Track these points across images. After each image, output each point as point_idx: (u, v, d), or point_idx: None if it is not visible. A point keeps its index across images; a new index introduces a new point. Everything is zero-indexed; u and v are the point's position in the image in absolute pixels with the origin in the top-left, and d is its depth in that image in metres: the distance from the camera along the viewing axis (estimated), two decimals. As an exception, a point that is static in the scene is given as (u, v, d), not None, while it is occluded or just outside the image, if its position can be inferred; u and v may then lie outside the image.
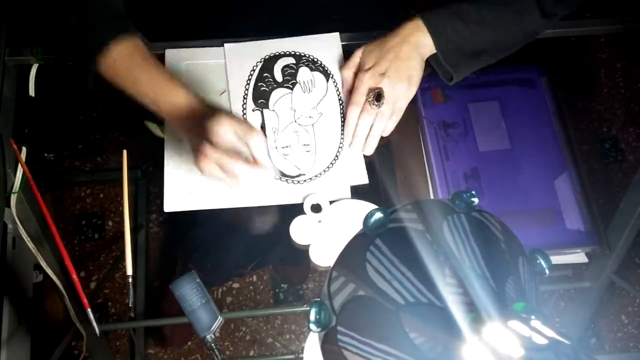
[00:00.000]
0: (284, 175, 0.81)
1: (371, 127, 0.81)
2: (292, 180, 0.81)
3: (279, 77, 0.86)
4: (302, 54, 0.87)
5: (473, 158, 0.92)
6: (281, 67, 0.87)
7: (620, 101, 1.82)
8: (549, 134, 0.95)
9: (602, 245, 0.88)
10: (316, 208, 0.80)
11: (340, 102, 0.85)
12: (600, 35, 1.86)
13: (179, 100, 0.73)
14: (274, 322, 1.53)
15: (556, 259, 0.90)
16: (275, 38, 0.88)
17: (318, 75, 0.86)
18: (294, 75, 0.86)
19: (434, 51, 0.80)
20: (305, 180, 0.81)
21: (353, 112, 0.81)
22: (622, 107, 1.82)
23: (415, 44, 0.80)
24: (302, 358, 0.75)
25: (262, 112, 0.84)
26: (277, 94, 0.85)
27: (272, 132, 0.83)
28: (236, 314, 1.47)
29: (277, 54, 0.87)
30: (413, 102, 0.96)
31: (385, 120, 0.80)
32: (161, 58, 0.87)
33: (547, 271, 0.50)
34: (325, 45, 0.88)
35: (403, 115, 0.81)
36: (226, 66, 0.86)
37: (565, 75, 1.83)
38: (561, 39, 0.88)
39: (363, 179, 0.82)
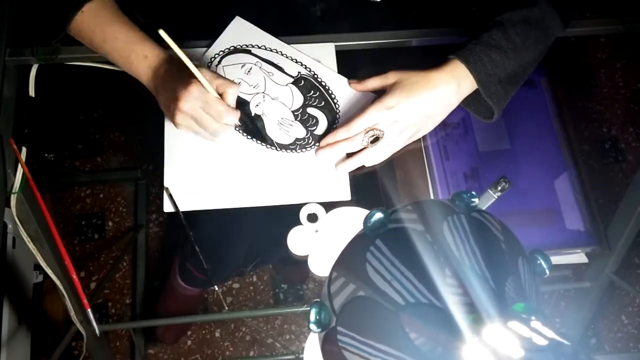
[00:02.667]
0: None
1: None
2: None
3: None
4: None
5: (473, 158, 0.92)
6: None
7: (620, 101, 1.82)
8: (549, 134, 0.95)
9: (602, 245, 0.88)
10: (312, 218, 0.80)
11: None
12: (600, 35, 1.86)
13: (152, 54, 0.75)
14: (274, 322, 1.53)
15: (556, 259, 0.90)
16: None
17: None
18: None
19: (473, 89, 0.78)
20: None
21: (341, 133, 0.78)
22: (622, 107, 1.82)
23: (447, 97, 0.77)
24: (302, 358, 0.75)
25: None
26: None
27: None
28: (236, 314, 1.47)
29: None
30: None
31: (373, 158, 0.80)
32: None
33: (547, 271, 0.50)
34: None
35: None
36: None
37: (565, 75, 1.83)
38: (561, 39, 0.88)
39: (345, 195, 0.81)
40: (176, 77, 0.73)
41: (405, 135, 0.79)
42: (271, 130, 0.83)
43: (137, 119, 1.60)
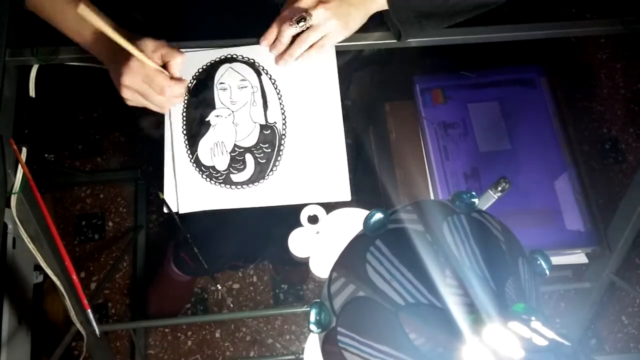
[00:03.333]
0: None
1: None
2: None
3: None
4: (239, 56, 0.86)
5: (473, 158, 0.92)
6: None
7: (620, 101, 1.82)
8: (549, 134, 0.95)
9: (602, 246, 0.88)
10: (313, 219, 0.80)
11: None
12: (600, 36, 1.86)
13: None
14: (274, 322, 1.53)
15: (556, 260, 0.90)
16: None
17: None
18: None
19: (384, 7, 0.81)
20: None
21: (275, 23, 0.81)
22: (622, 108, 1.82)
23: None
24: (302, 359, 0.75)
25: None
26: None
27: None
28: (236, 315, 1.47)
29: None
30: (413, 102, 0.96)
31: (302, 46, 0.81)
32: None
33: (547, 272, 0.50)
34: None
35: (403, 116, 0.81)
36: None
37: (565, 75, 1.83)
38: (561, 39, 0.88)
39: (345, 195, 0.81)
40: (122, 49, 0.73)
41: (331, 22, 0.79)
42: (203, 145, 0.82)
43: (137, 119, 1.60)
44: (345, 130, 0.85)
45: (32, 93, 0.85)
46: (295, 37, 0.81)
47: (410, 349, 0.42)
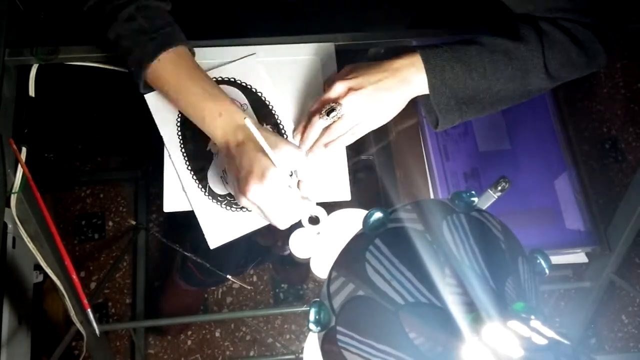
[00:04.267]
0: None
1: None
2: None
3: None
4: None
5: (473, 158, 0.92)
6: None
7: (620, 101, 1.82)
8: (549, 134, 0.95)
9: (602, 245, 0.88)
10: (314, 220, 0.80)
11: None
12: (600, 35, 1.86)
13: (226, 113, 0.70)
14: (274, 322, 1.53)
15: (556, 259, 0.90)
16: (266, 39, 0.87)
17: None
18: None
19: (424, 92, 0.75)
20: None
21: (308, 114, 0.77)
22: (622, 107, 1.82)
23: (403, 80, 0.74)
24: (302, 358, 0.75)
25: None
26: None
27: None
28: (236, 314, 1.47)
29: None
30: (413, 102, 0.96)
31: (331, 137, 0.75)
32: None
33: (547, 271, 0.50)
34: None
35: (403, 116, 0.80)
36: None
37: (565, 75, 1.83)
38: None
39: (345, 195, 0.80)
40: (252, 149, 0.67)
41: (363, 112, 0.74)
42: (211, 176, 0.80)
43: (137, 119, 1.61)
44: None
45: (32, 93, 0.85)
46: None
47: (410, 348, 0.42)
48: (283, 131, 0.83)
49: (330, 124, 0.74)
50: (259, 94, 0.84)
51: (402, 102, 0.76)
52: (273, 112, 0.83)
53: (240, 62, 0.85)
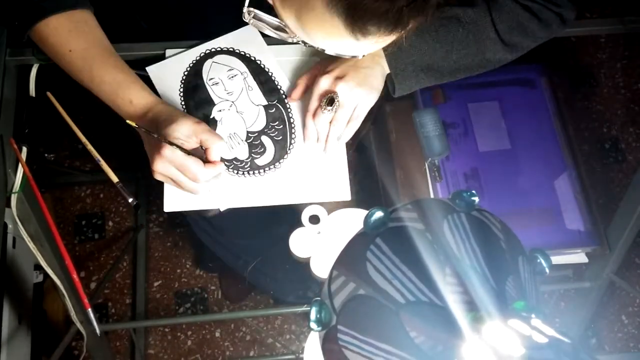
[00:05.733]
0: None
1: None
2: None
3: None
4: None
5: (473, 158, 0.92)
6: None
7: (620, 101, 1.82)
8: (549, 134, 0.95)
9: (602, 245, 0.88)
10: (314, 219, 0.80)
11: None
12: (600, 35, 1.86)
13: (136, 99, 0.74)
14: (274, 322, 1.53)
15: (556, 259, 0.90)
16: (267, 40, 0.88)
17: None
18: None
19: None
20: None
21: (307, 118, 0.80)
22: (622, 107, 1.82)
23: (374, 55, 0.78)
24: (302, 358, 0.75)
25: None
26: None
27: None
28: (236, 314, 1.47)
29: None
30: (413, 102, 0.96)
31: (340, 126, 0.79)
32: (162, 58, 0.87)
33: (547, 270, 0.50)
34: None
35: (404, 116, 0.81)
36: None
37: (565, 75, 1.83)
38: (561, 39, 0.88)
39: (345, 195, 0.81)
40: (159, 127, 0.72)
41: (356, 92, 0.78)
42: None
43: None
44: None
45: (32, 92, 0.85)
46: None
47: (411, 346, 0.42)
48: (283, 96, 0.85)
49: (334, 115, 0.78)
50: (258, 62, 0.86)
51: (383, 75, 0.81)
52: (272, 78, 0.85)
53: (240, 31, 0.87)
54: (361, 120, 0.81)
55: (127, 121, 0.69)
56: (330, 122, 0.80)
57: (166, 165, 0.71)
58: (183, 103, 0.83)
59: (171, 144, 0.69)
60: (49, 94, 0.75)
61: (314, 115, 0.79)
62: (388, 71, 0.80)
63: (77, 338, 1.00)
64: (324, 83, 0.78)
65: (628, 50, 1.88)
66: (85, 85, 0.77)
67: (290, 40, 0.63)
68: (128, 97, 0.75)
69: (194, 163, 0.71)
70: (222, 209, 0.79)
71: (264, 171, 0.81)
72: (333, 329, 0.47)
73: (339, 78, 0.78)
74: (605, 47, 1.89)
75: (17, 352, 1.14)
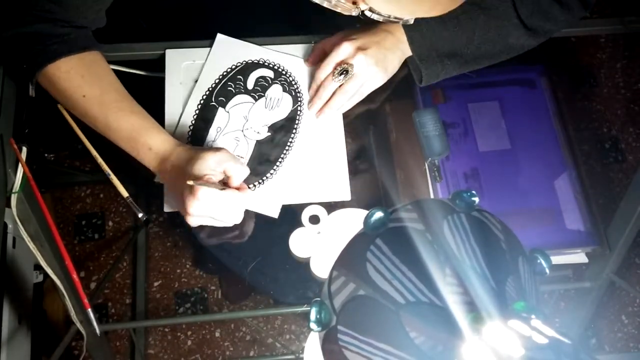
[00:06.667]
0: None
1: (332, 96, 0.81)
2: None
3: (250, 84, 0.85)
4: (283, 71, 0.86)
5: (473, 158, 0.92)
6: (257, 76, 0.86)
7: (620, 101, 1.82)
8: (549, 134, 0.95)
9: (602, 245, 0.88)
10: (314, 219, 0.80)
11: (294, 132, 0.84)
12: (600, 35, 1.86)
13: (155, 146, 0.73)
14: (274, 322, 1.53)
15: (556, 259, 0.90)
16: (269, 40, 0.89)
17: (287, 97, 0.85)
18: (264, 88, 0.85)
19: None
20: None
21: (317, 78, 0.81)
22: (622, 107, 1.82)
23: (397, 39, 0.80)
24: (302, 358, 0.75)
25: (217, 108, 0.84)
26: (239, 99, 0.84)
27: (216, 131, 0.83)
28: (236, 314, 1.47)
29: (258, 61, 0.87)
30: (413, 102, 0.96)
31: (345, 97, 0.81)
32: (161, 58, 0.87)
33: (547, 271, 0.50)
34: (307, 69, 0.87)
35: (404, 116, 0.81)
36: (209, 55, 0.86)
37: (565, 75, 1.83)
38: (561, 39, 0.88)
39: (345, 195, 0.81)
40: (183, 173, 0.71)
41: (372, 69, 0.79)
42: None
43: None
44: (345, 131, 0.85)
45: (32, 92, 0.85)
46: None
47: (411, 347, 0.42)
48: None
49: (342, 84, 0.79)
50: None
51: (400, 60, 0.82)
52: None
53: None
54: (363, 96, 0.82)
55: (155, 180, 0.69)
56: (336, 91, 0.80)
57: (202, 206, 0.68)
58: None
59: (204, 183, 0.68)
60: (59, 106, 0.74)
61: (324, 80, 0.80)
62: (407, 55, 0.81)
63: (77, 338, 1.00)
64: (345, 49, 0.78)
65: (628, 50, 1.88)
66: (101, 131, 0.75)
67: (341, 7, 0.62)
68: (147, 143, 0.73)
69: (230, 195, 0.70)
70: None
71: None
72: (333, 329, 0.47)
73: (360, 49, 0.78)
74: (605, 47, 1.88)
75: (17, 352, 1.14)
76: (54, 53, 0.71)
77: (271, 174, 0.81)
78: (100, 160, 0.76)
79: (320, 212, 0.79)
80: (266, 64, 0.87)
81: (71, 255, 0.79)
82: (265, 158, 0.82)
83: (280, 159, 0.82)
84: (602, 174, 1.73)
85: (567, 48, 1.88)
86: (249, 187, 0.79)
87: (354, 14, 0.62)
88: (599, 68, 1.86)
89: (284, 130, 0.83)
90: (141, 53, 0.87)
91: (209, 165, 0.69)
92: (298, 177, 0.81)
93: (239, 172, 0.71)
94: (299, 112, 0.84)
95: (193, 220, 0.71)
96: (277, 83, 0.85)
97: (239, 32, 0.89)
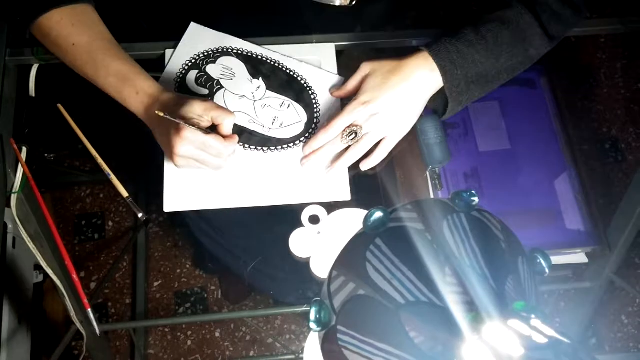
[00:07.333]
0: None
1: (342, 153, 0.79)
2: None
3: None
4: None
5: (473, 158, 0.92)
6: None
7: (620, 101, 1.82)
8: (549, 134, 0.95)
9: (602, 245, 0.88)
10: (314, 219, 0.80)
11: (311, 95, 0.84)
12: (600, 35, 1.86)
13: (142, 91, 0.75)
14: (274, 322, 1.53)
15: (556, 259, 0.90)
16: (270, 40, 0.89)
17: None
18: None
19: (439, 87, 0.77)
20: (268, 149, 0.82)
21: (320, 139, 0.78)
22: (622, 107, 1.82)
23: (418, 82, 0.76)
24: (302, 358, 0.75)
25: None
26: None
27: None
28: (236, 314, 1.47)
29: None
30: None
31: (354, 157, 0.78)
32: (161, 58, 0.87)
33: (547, 270, 0.50)
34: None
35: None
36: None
37: (565, 75, 1.83)
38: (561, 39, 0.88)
39: (345, 195, 0.81)
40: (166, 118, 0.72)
41: (383, 127, 0.77)
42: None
43: (137, 119, 1.60)
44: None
45: (32, 92, 0.85)
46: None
47: (410, 347, 0.42)
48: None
49: (353, 144, 0.77)
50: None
51: (422, 105, 0.79)
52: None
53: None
54: (387, 152, 0.79)
55: (157, 112, 0.68)
56: (347, 150, 0.78)
57: (189, 147, 0.71)
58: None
59: (191, 124, 0.70)
60: (59, 106, 0.76)
61: (329, 136, 0.78)
62: (435, 89, 0.78)
63: (77, 338, 1.00)
64: (356, 114, 0.76)
65: (628, 50, 1.88)
66: (90, 78, 0.77)
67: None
68: (134, 88, 0.75)
69: (215, 139, 0.71)
70: (208, 209, 0.79)
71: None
72: (333, 329, 0.47)
73: (373, 115, 0.76)
74: (605, 47, 1.89)
75: (17, 352, 1.14)
76: (45, 4, 0.74)
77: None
78: (100, 160, 0.77)
79: (320, 212, 0.79)
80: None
81: (71, 255, 0.79)
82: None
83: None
84: (602, 174, 1.73)
85: (567, 48, 1.88)
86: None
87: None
88: (599, 68, 1.86)
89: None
90: (141, 53, 0.87)
91: (194, 110, 0.71)
92: (298, 177, 0.81)
93: (227, 119, 0.73)
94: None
95: (179, 161, 0.73)
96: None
97: (238, 32, 0.89)
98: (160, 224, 1.60)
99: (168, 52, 0.87)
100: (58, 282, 0.82)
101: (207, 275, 1.56)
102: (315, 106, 0.85)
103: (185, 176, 0.80)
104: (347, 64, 0.89)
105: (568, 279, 0.97)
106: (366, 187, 0.88)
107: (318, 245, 0.78)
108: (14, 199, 0.78)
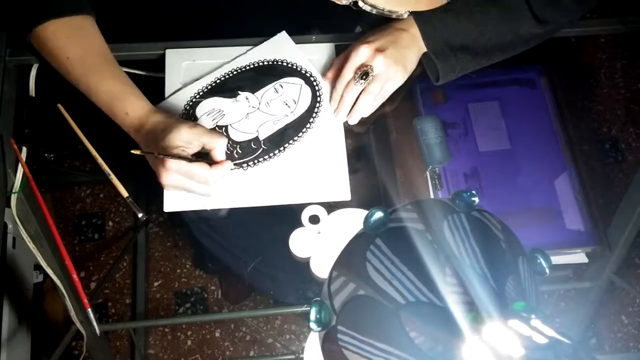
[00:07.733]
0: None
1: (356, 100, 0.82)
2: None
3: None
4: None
5: (473, 158, 0.92)
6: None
7: (620, 101, 1.82)
8: (549, 134, 0.95)
9: (602, 245, 0.88)
10: (314, 219, 0.80)
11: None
12: (600, 35, 1.86)
13: (132, 112, 0.75)
14: (274, 322, 1.53)
15: (556, 259, 0.90)
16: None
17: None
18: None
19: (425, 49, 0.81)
20: (249, 164, 0.81)
21: (339, 85, 0.81)
22: (622, 107, 1.82)
23: (412, 36, 0.80)
24: (302, 358, 0.75)
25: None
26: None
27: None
28: (236, 314, 1.47)
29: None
30: (413, 102, 0.96)
31: (370, 99, 0.81)
32: (161, 58, 0.87)
33: (547, 270, 0.50)
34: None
35: (403, 116, 0.81)
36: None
37: (565, 75, 1.83)
38: (561, 39, 0.88)
39: (345, 195, 0.81)
40: (156, 141, 0.72)
41: (392, 69, 0.79)
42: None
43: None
44: (345, 131, 0.85)
45: (32, 92, 0.85)
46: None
47: (411, 347, 0.42)
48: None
49: (365, 87, 0.80)
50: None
51: (417, 57, 0.82)
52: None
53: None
54: (386, 97, 0.82)
55: (132, 151, 0.70)
56: (360, 95, 0.81)
57: (174, 176, 0.71)
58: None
59: (173, 156, 0.69)
60: (59, 105, 0.76)
61: (346, 86, 0.80)
62: (423, 51, 0.81)
63: (77, 338, 1.00)
64: (364, 52, 0.79)
65: (628, 50, 1.88)
66: (83, 92, 0.77)
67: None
68: (124, 109, 0.75)
69: (199, 168, 0.71)
70: (208, 209, 0.79)
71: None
72: (333, 329, 0.47)
73: (378, 50, 0.78)
74: (605, 47, 1.89)
75: (17, 352, 1.14)
76: (42, 14, 0.74)
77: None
78: (100, 160, 0.77)
79: (320, 212, 0.79)
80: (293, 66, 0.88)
81: (71, 255, 0.79)
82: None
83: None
84: (602, 174, 1.73)
85: (567, 48, 1.88)
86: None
87: (344, 2, 0.63)
88: (599, 68, 1.86)
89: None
90: (141, 53, 0.87)
91: (182, 137, 0.70)
92: (298, 177, 0.81)
93: (218, 143, 0.72)
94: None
95: (167, 188, 0.74)
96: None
97: (238, 32, 0.88)
98: (160, 224, 1.60)
99: (168, 52, 0.87)
100: (58, 282, 0.82)
101: (207, 275, 1.56)
102: (299, 68, 0.86)
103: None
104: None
105: (568, 279, 0.97)
106: (366, 187, 0.88)
107: (318, 245, 0.78)
108: (14, 199, 0.78)
